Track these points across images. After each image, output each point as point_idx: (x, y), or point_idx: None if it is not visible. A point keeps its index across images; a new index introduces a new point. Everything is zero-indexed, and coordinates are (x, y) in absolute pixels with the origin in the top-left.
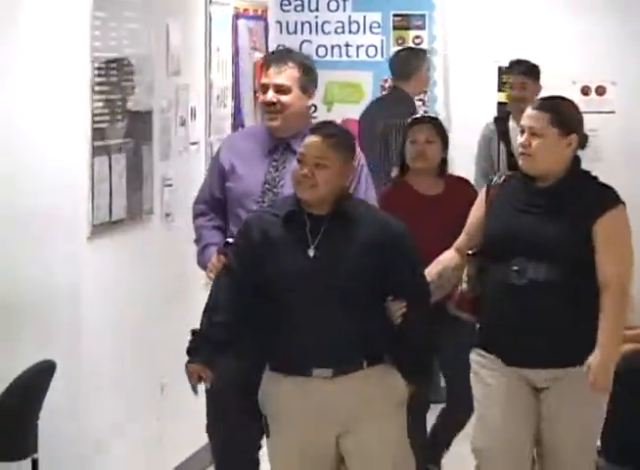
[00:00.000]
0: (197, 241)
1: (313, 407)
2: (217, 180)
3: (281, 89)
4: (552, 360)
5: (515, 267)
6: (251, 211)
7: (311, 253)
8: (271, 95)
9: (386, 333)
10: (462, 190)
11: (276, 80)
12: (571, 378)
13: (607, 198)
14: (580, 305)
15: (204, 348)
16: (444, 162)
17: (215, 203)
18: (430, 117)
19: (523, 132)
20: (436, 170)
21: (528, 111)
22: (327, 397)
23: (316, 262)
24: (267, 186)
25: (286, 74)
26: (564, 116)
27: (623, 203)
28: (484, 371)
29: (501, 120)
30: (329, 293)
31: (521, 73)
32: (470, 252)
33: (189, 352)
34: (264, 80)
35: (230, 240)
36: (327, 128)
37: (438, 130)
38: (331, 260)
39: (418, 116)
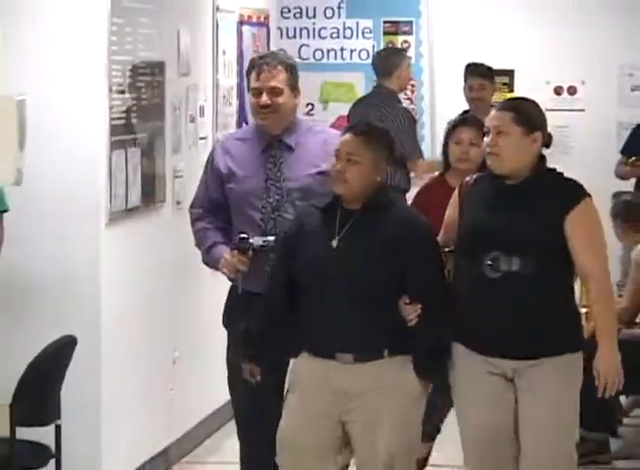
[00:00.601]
0: (199, 243)
1: (331, 388)
2: (215, 184)
3: (274, 92)
4: (522, 351)
5: (488, 262)
6: (256, 208)
7: (334, 243)
8: (265, 98)
9: (405, 326)
10: None
11: (269, 84)
12: (540, 368)
13: (574, 192)
14: (552, 297)
15: (249, 346)
16: (484, 163)
17: (214, 206)
18: (473, 117)
19: (488, 133)
20: (476, 171)
21: (492, 112)
22: (345, 380)
23: (338, 253)
24: (270, 182)
25: (277, 78)
26: (526, 114)
27: (589, 195)
28: (459, 362)
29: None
30: (349, 283)
31: (479, 75)
32: (447, 249)
33: (245, 349)
34: (257, 85)
35: (244, 235)
36: (361, 127)
37: (482, 132)
38: (351, 252)
39: (462, 117)
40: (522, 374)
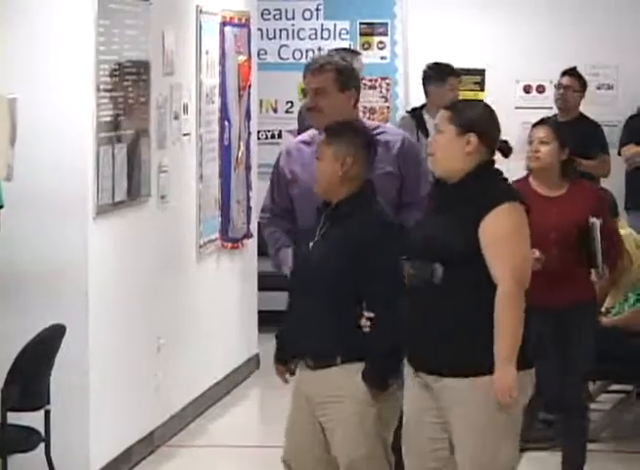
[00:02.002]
0: (270, 246)
1: (300, 392)
2: (280, 188)
3: (318, 93)
4: (438, 366)
5: (412, 271)
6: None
7: (311, 245)
8: (309, 100)
9: (360, 334)
10: (585, 195)
11: (312, 85)
12: (453, 392)
13: (493, 197)
14: (468, 308)
15: (278, 349)
16: (567, 163)
17: (280, 210)
18: (549, 118)
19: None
20: (558, 172)
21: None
22: (308, 385)
23: (310, 256)
24: None
25: (320, 78)
26: (463, 114)
27: (514, 199)
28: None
29: (417, 112)
30: (312, 286)
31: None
32: None
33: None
34: (304, 86)
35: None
36: (330, 126)
37: (556, 132)
38: (317, 256)
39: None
40: (438, 391)
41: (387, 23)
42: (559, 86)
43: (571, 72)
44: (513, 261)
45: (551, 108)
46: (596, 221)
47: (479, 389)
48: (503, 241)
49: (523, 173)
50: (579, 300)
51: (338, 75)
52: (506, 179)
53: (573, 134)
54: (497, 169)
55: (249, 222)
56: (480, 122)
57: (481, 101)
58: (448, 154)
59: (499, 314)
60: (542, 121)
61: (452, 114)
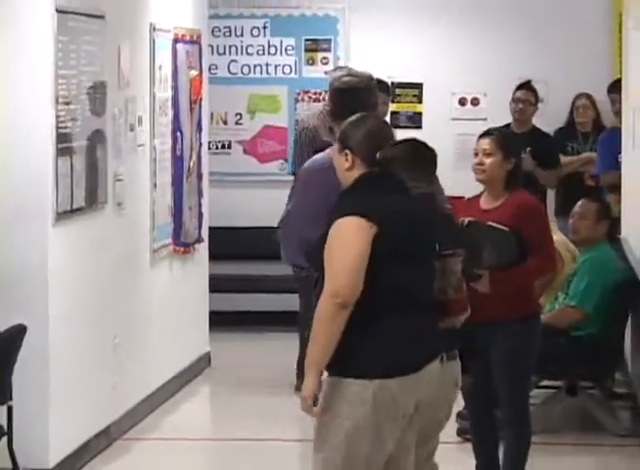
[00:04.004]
0: None
1: None
2: None
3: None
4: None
5: None
6: None
7: None
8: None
9: None
10: (515, 204)
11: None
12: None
13: (338, 210)
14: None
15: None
16: (511, 175)
17: None
18: (494, 129)
19: None
20: (501, 184)
21: None
22: None
23: None
24: None
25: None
26: (342, 133)
27: (354, 214)
28: None
29: None
30: None
31: (383, 91)
32: None
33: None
34: None
35: None
36: None
37: (500, 143)
38: None
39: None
40: None
41: (330, 40)
42: (516, 100)
43: (527, 86)
44: (332, 275)
45: (485, 119)
46: (464, 220)
47: (331, 392)
48: (328, 254)
49: (460, 184)
50: (503, 315)
51: (329, 101)
52: (393, 190)
53: (530, 145)
54: (375, 181)
55: (200, 228)
56: (352, 139)
57: (370, 116)
58: (338, 169)
59: (314, 329)
60: (486, 133)
61: (339, 134)
